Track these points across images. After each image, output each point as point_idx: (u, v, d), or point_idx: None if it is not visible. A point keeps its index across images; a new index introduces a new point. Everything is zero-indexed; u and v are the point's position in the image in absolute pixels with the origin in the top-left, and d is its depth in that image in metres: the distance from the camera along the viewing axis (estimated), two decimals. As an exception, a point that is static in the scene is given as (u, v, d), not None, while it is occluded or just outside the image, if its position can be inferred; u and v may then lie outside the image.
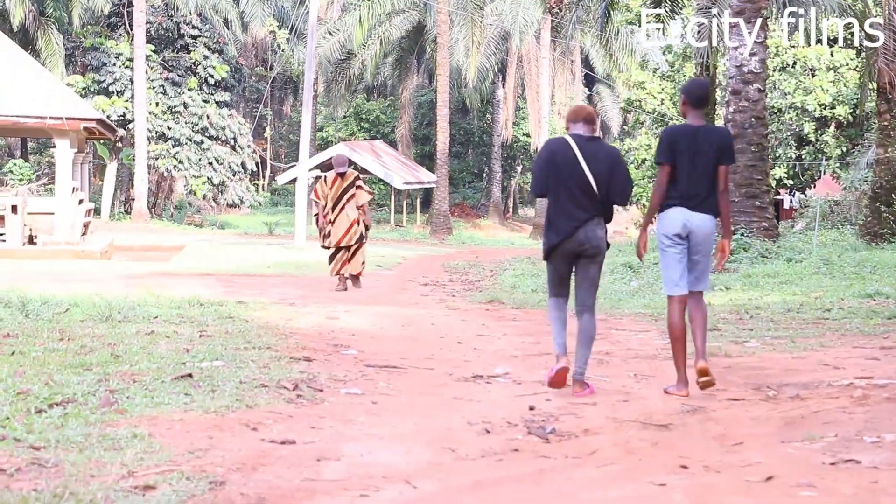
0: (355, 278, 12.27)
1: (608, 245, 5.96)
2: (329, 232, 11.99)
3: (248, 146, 36.09)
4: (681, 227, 5.83)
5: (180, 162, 34.33)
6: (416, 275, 15.86)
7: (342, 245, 12.00)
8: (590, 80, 48.54)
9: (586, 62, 44.67)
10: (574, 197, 5.83)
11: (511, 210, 48.81)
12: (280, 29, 44.05)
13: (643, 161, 27.78)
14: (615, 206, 5.93)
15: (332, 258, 12.17)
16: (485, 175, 50.15)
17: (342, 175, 12.02)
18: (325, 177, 12.09)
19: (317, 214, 12.14)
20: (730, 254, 6.36)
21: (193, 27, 35.49)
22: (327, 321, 8.43)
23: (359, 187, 12.08)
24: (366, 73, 41.15)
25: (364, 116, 47.41)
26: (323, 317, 8.70)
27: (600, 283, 6.23)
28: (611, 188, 5.84)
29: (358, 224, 12.07)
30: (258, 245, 23.03)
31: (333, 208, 11.97)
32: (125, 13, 34.82)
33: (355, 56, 40.19)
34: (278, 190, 51.93)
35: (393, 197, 38.69)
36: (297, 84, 53.78)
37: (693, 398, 5.58)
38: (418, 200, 40.92)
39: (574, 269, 5.93)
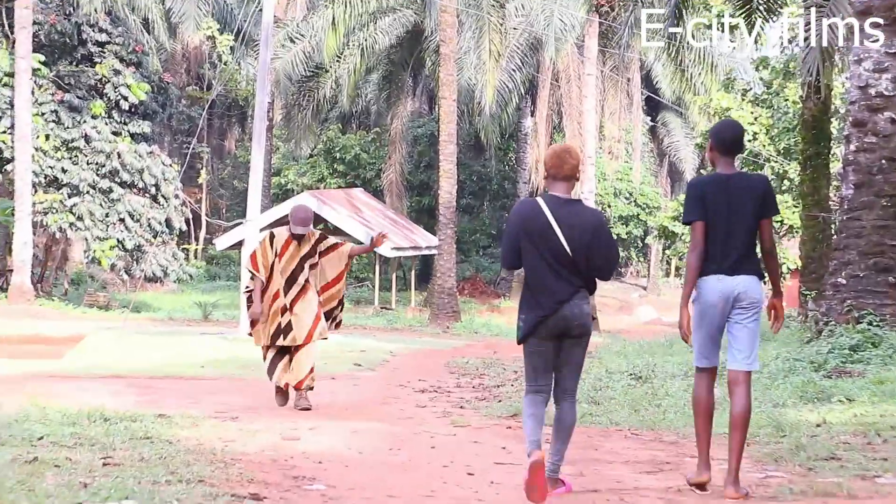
0: (303, 394, 11.31)
1: (594, 318, 6.62)
2: (281, 326, 11.09)
3: (176, 196, 36.43)
4: (720, 298, 6.87)
5: (79, 218, 34.62)
6: (409, 377, 15.81)
7: (307, 343, 11.20)
8: (653, 106, 49.13)
9: (648, 81, 45.34)
10: (553, 268, 6.81)
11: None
12: (222, 34, 44.81)
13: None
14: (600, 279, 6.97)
15: (276, 361, 11.28)
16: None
17: (299, 238, 11.16)
18: (273, 235, 11.26)
19: (250, 293, 11.27)
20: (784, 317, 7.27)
21: (100, 30, 36.10)
22: (284, 443, 8.42)
23: (331, 247, 11.35)
24: (341, 96, 41.72)
25: (338, 155, 47.92)
26: (278, 436, 8.70)
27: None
28: (590, 258, 6.81)
29: (327, 316, 11.38)
30: (188, 335, 23.02)
31: (287, 288, 11.13)
32: (2, 10, 35.30)
33: (326, 72, 40.77)
34: (217, 258, 52.23)
35: (378, 268, 38.89)
36: (244, 110, 54.57)
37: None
38: (413, 273, 41.11)
39: (555, 356, 6.90)
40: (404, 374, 16.62)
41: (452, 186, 33.27)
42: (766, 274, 7.02)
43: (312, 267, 11.29)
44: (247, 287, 11.61)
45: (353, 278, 47.50)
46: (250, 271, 11.30)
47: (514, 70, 39.66)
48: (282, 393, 11.38)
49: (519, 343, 6.92)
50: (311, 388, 11.39)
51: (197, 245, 53.80)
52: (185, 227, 37.59)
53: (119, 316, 29.31)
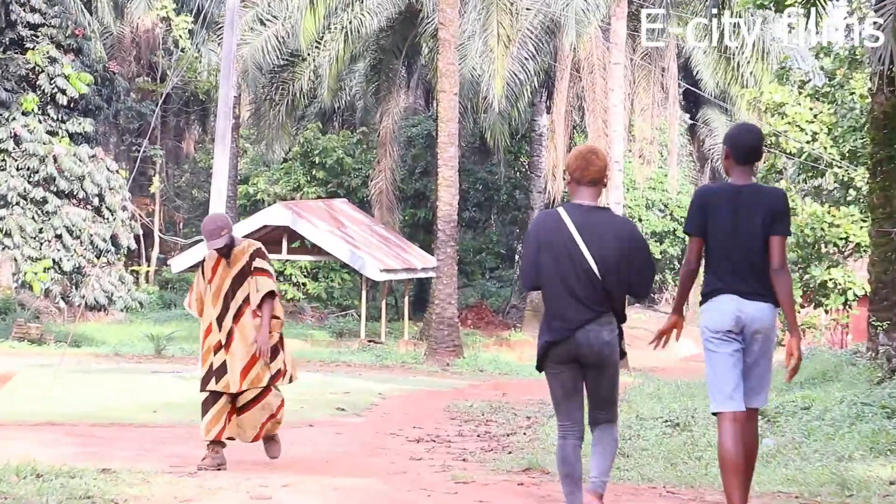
0: (270, 440, 11.25)
1: (624, 353, 7.31)
2: (213, 368, 10.88)
3: (124, 209, 36.45)
4: (733, 321, 7.30)
5: (7, 234, 34.65)
6: (401, 424, 15.80)
7: (242, 390, 10.88)
8: (693, 101, 49.19)
9: (687, 71, 45.37)
10: (570, 289, 7.19)
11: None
12: (179, 14, 44.90)
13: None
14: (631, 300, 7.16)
15: (207, 405, 10.96)
16: (518, 258, 50.39)
17: (226, 254, 10.97)
18: (204, 259, 11.18)
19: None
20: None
21: (32, 10, 36.21)
22: (253, 503, 8.39)
23: (258, 270, 10.98)
24: (321, 89, 41.81)
25: (318, 160, 47.96)
26: (245, 495, 8.68)
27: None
28: (621, 276, 7.19)
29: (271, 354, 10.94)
30: (137, 374, 22.97)
31: (220, 320, 10.95)
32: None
33: (304, 60, 40.88)
34: (172, 282, 52.14)
35: (364, 294, 38.87)
36: (206, 106, 54.62)
37: None
38: (407, 300, 41.09)
39: (584, 382, 7.36)
40: (396, 420, 16.59)
41: (453, 197, 33.26)
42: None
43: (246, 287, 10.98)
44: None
45: (335, 306, 47.51)
46: (186, 313, 11.40)
47: (526, 58, 39.66)
48: (216, 451, 10.90)
49: (538, 369, 7.45)
50: (273, 438, 11.29)
51: (148, 267, 53.72)
52: (134, 246, 37.62)
53: (55, 351, 29.26)
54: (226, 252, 10.92)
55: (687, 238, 7.46)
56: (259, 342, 10.82)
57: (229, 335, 10.91)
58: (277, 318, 11.05)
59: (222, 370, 10.86)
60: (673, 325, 7.57)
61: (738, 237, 7.28)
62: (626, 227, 7.32)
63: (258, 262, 10.97)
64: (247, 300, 10.92)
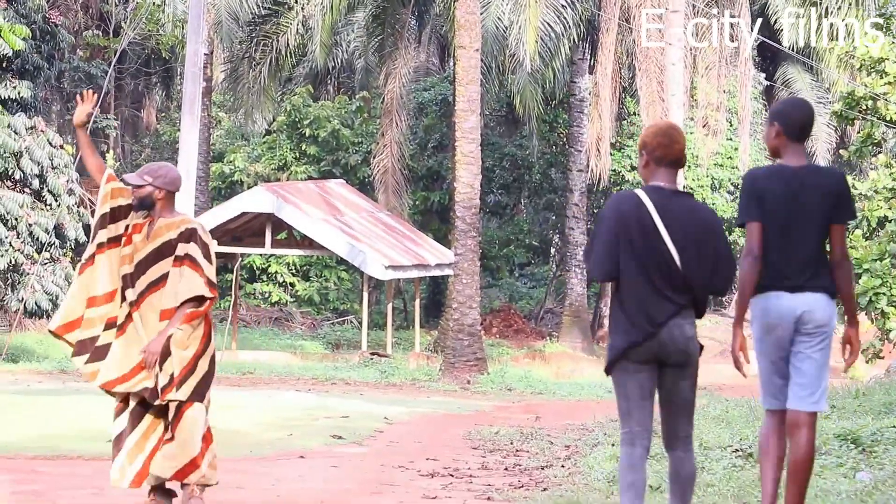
0: (186, 488, 10.21)
1: (701, 346, 7.91)
2: (96, 340, 10.15)
3: (71, 192, 36.51)
4: (782, 317, 8.00)
5: (-71, 224, 34.76)
6: (413, 455, 15.87)
7: (132, 388, 10.10)
8: (769, 57, 49.10)
9: (763, 20, 45.28)
10: (651, 281, 7.80)
11: (608, 323, 48.90)
12: (136, -46, 44.94)
13: (879, 224, 27.81)
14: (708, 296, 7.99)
15: (118, 417, 10.26)
16: (554, 251, 50.41)
17: (145, 213, 10.26)
18: (120, 208, 10.33)
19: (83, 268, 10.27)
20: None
21: (-43, -51, 36.25)
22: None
23: (188, 259, 10.08)
24: (312, 45, 41.87)
25: (308, 132, 48.02)
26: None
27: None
28: (703, 269, 7.83)
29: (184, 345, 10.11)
30: (89, 395, 23.05)
31: (123, 290, 10.15)
32: None
33: (290, 9, 40.93)
34: (129, 282, 52.24)
35: (366, 296, 38.96)
36: (170, 66, 54.67)
37: None
38: (418, 303, 41.20)
39: (657, 389, 7.92)
40: (405, 449, 16.63)
41: (475, 177, 33.31)
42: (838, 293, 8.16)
43: (175, 264, 10.06)
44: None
45: (330, 311, 47.59)
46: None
47: (563, 6, 39.71)
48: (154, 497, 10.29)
49: (607, 373, 8.03)
50: (205, 487, 10.22)
51: (101, 263, 53.90)
52: (84, 238, 37.60)
53: (-13, 367, 29.39)
54: (143, 209, 10.14)
55: (742, 228, 8.11)
56: (148, 351, 9.93)
57: (127, 317, 10.10)
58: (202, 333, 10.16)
59: (102, 352, 10.04)
60: (742, 342, 8.06)
61: (798, 224, 7.97)
62: (709, 216, 7.97)
63: (189, 249, 10.01)
64: (158, 283, 10.05)
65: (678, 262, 7.76)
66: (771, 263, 8.02)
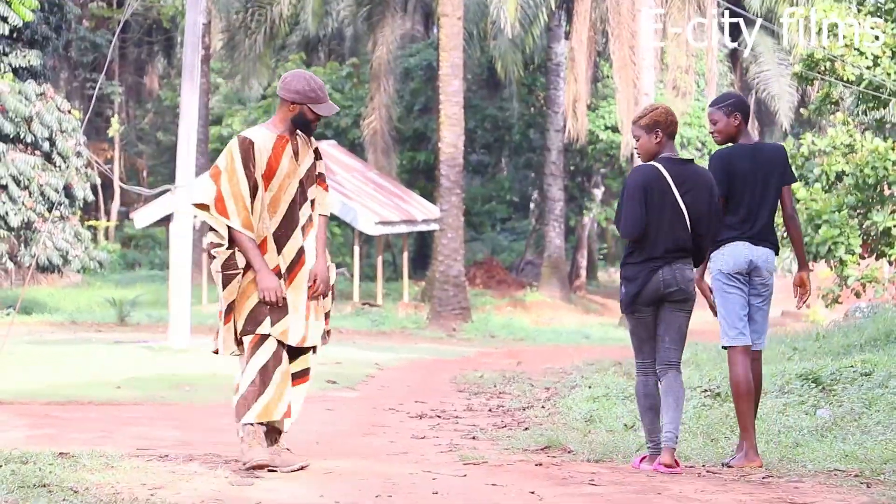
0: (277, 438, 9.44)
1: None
2: (272, 306, 8.98)
3: (78, 155, 36.40)
4: (746, 264, 9.45)
5: (-56, 186, 34.66)
6: (402, 398, 15.90)
7: (307, 345, 9.21)
8: (734, 23, 48.97)
9: (728, -13, 45.22)
10: (665, 236, 9.26)
11: (584, 273, 48.95)
12: (138, -70, 44.69)
13: (837, 177, 27.85)
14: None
15: (266, 370, 9.02)
16: (533, 206, 50.43)
17: (299, 140, 9.23)
18: (249, 141, 9.03)
19: (228, 261, 8.98)
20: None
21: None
22: (233, 490, 8.47)
23: (321, 179, 9.37)
24: (304, 14, 41.73)
25: (300, 95, 47.89)
26: (224, 481, 8.76)
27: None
28: (706, 224, 9.33)
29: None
30: (98, 345, 23.05)
31: (280, 237, 9.07)
32: None
33: (283, -20, 40.72)
34: (136, 238, 52.27)
35: (358, 249, 38.95)
36: (171, 35, 54.51)
37: None
38: (406, 257, 41.19)
39: (656, 323, 9.45)
40: (395, 393, 16.67)
41: (458, 137, 33.27)
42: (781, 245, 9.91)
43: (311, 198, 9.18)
44: (210, 243, 9.11)
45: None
46: (215, 219, 8.95)
47: (541, -26, 39.58)
48: (269, 433, 9.33)
49: (625, 312, 9.46)
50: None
51: (108, 221, 53.86)
52: (91, 197, 37.54)
53: (1, 320, 29.36)
54: (303, 135, 9.24)
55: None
56: (319, 274, 9.14)
57: (295, 262, 9.11)
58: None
59: (282, 309, 9.03)
60: (705, 287, 9.70)
61: (760, 190, 9.47)
62: (709, 178, 9.43)
63: (322, 167, 9.34)
64: (311, 220, 9.20)
65: (688, 219, 9.25)
66: (739, 220, 9.47)
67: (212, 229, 9.04)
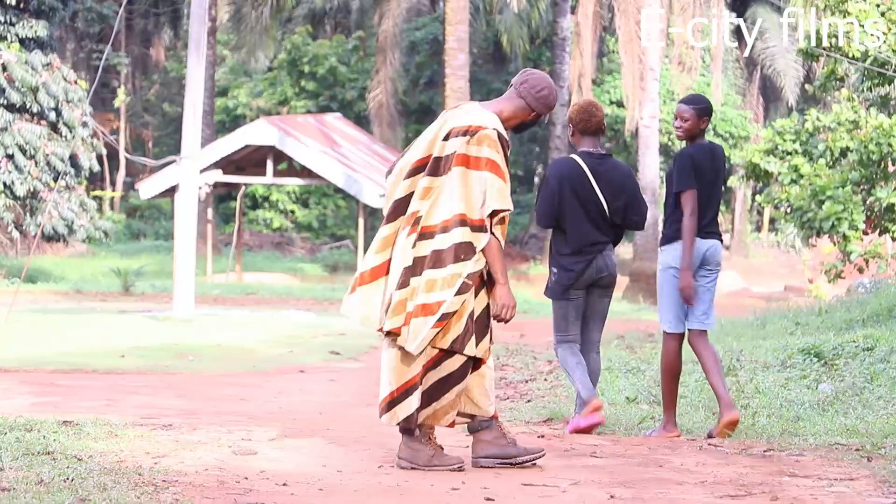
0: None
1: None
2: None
3: (85, 125, 36.43)
4: (698, 258, 10.00)
5: (-48, 155, 34.67)
6: (405, 371, 15.90)
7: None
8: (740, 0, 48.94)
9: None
10: (591, 224, 9.89)
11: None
12: None
13: (842, 153, 27.85)
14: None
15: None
16: (538, 180, 50.40)
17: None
18: (499, 133, 8.20)
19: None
20: None
21: None
22: (236, 459, 8.49)
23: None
24: (309, -15, 41.63)
25: (307, 69, 47.92)
26: (227, 450, 8.77)
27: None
28: (626, 214, 10.01)
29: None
30: (102, 314, 23.10)
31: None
32: None
33: (290, -48, 40.68)
34: (141, 209, 52.32)
35: (362, 222, 38.96)
36: (177, 6, 54.45)
37: None
38: (410, 229, 41.15)
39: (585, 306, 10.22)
40: (398, 365, 16.71)
41: (464, 110, 33.22)
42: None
43: None
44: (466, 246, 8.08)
45: (328, 236, 47.62)
46: (496, 214, 8.12)
47: (547, -51, 39.51)
48: (429, 439, 8.46)
49: (556, 298, 10.15)
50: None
51: (113, 192, 53.88)
52: (97, 167, 37.54)
53: (7, 288, 29.41)
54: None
55: (684, 194, 9.92)
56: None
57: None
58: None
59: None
60: (691, 281, 9.98)
61: (713, 187, 10.09)
62: (627, 172, 10.19)
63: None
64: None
65: (606, 209, 9.91)
66: (700, 218, 9.99)
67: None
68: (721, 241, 10.19)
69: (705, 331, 10.13)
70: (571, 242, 9.91)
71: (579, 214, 9.83)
